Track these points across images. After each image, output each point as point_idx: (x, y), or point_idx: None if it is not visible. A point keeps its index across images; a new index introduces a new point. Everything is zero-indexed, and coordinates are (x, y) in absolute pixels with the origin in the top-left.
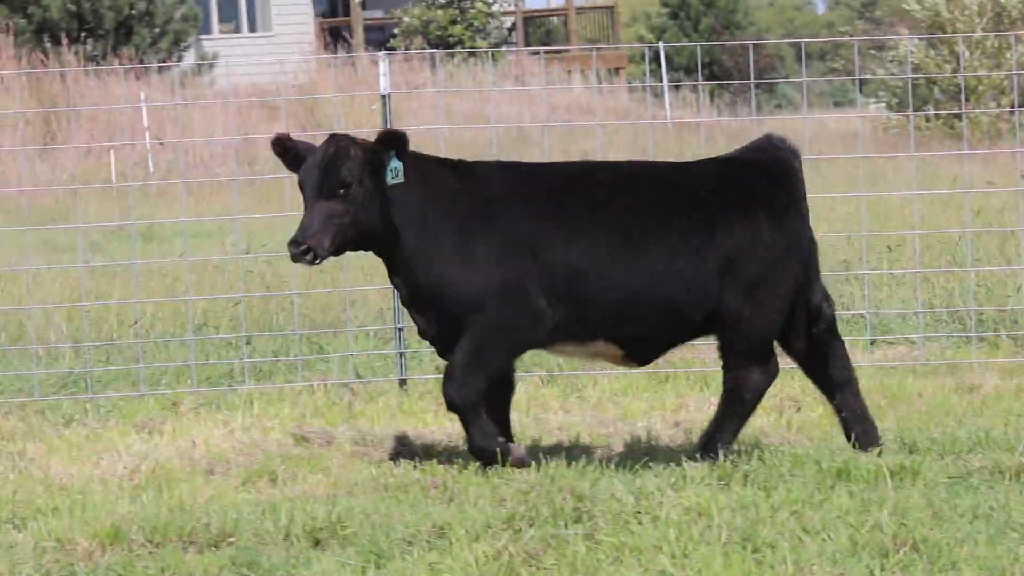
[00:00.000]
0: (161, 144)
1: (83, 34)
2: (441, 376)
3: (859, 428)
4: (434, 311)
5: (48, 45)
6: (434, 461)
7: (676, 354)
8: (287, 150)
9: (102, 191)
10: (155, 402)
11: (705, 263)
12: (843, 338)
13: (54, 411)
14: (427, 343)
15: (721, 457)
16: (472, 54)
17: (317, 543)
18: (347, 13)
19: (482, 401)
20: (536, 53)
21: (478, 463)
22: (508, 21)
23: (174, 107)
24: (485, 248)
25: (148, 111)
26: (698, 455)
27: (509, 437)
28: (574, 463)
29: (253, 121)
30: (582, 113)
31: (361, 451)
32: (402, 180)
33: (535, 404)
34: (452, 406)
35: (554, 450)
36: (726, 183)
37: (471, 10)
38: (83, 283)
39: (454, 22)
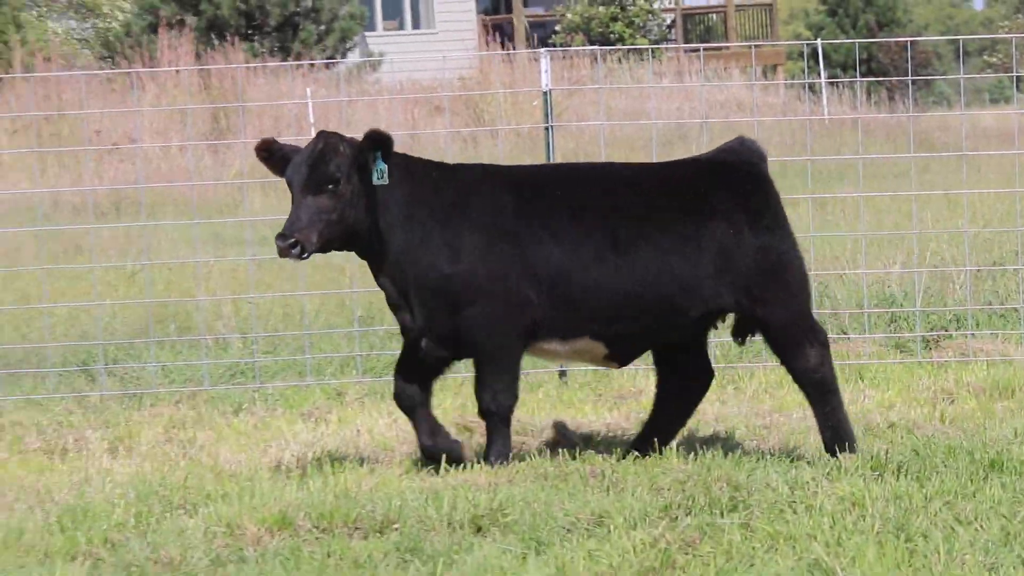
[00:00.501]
0: None
1: (251, 31)
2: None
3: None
4: (423, 306)
5: (217, 42)
6: (592, 451)
7: (831, 347)
8: (272, 154)
9: (269, 185)
10: (321, 392)
11: (695, 262)
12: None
13: (223, 400)
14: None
15: (855, 442)
16: (632, 51)
17: (479, 530)
18: (509, 10)
19: (513, 410)
20: (695, 50)
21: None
22: (668, 18)
23: (339, 103)
24: (472, 243)
25: (314, 107)
26: (833, 453)
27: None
28: (730, 453)
29: (416, 117)
30: (740, 109)
31: (522, 440)
32: (387, 182)
33: None
34: (486, 412)
35: (710, 440)
36: (707, 182)
37: (632, 7)
38: (250, 275)
39: (615, 19)
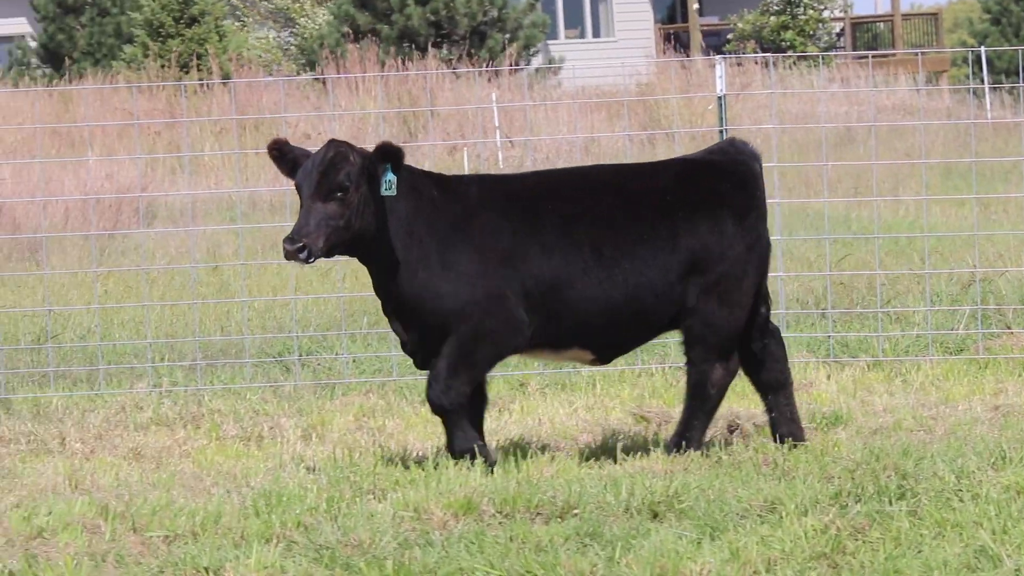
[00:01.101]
0: (511, 142)
1: (440, 40)
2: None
3: (785, 428)
4: (417, 323)
5: (408, 50)
6: (765, 440)
7: (996, 341)
8: (284, 155)
9: None
10: (504, 383)
11: (673, 264)
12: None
13: (411, 390)
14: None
15: (697, 449)
16: (802, 58)
17: (655, 515)
18: (685, 19)
19: (465, 405)
20: (863, 57)
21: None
22: (837, 27)
23: (523, 107)
24: (467, 259)
25: (499, 111)
26: (671, 450)
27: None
28: (898, 443)
29: (596, 120)
30: (906, 114)
31: None
32: (394, 192)
33: (861, 388)
34: (437, 409)
35: (879, 431)
36: (691, 185)
37: (802, 17)
38: None
39: (786, 28)
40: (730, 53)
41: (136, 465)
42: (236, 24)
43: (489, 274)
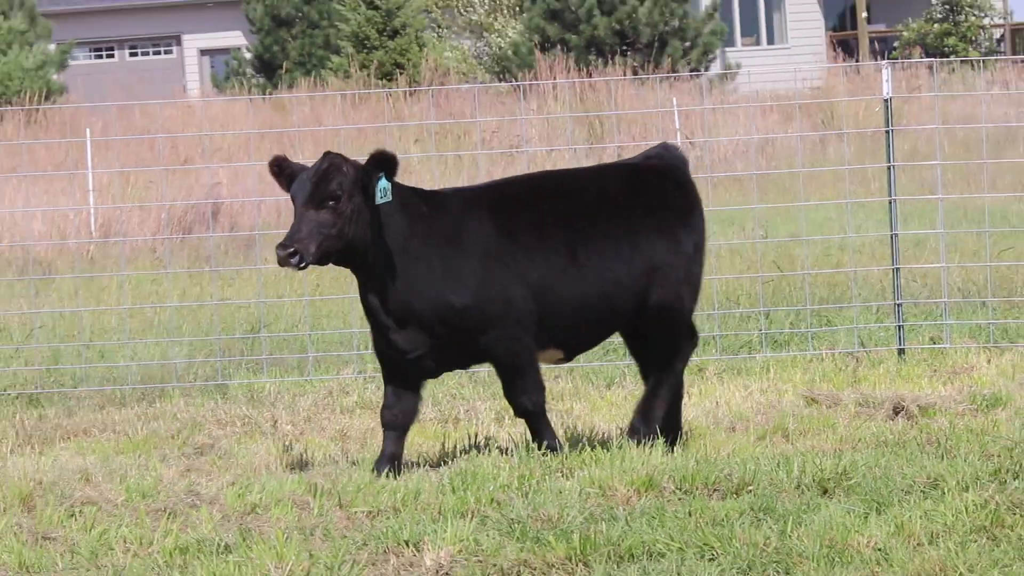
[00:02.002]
0: (691, 143)
1: (624, 48)
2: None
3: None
4: (423, 330)
5: (593, 59)
6: (928, 420)
7: None
8: (283, 170)
9: None
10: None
11: (637, 262)
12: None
13: (597, 375)
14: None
15: (656, 429)
16: (964, 62)
17: (825, 492)
18: (854, 27)
19: (545, 403)
20: (1023, 61)
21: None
22: (997, 33)
23: (702, 111)
24: (471, 268)
25: (679, 114)
26: (637, 427)
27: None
28: None
29: (770, 123)
30: None
31: (864, 411)
32: (389, 200)
33: (1020, 371)
34: (525, 413)
35: None
36: (641, 188)
37: (964, 24)
38: None
39: (948, 34)
40: (896, 58)
41: (342, 445)
42: (435, 36)
43: (493, 280)
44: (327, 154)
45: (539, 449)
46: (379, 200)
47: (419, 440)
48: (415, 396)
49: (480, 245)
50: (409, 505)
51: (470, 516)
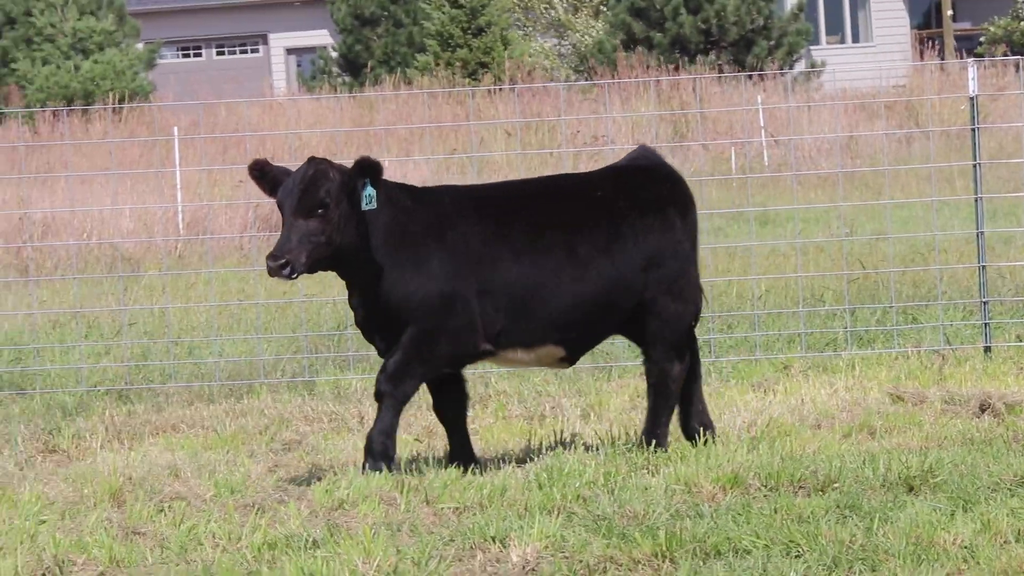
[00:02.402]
0: (775, 141)
1: (709, 47)
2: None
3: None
4: (394, 332)
5: (678, 57)
6: (1015, 418)
7: None
8: (264, 174)
9: (724, 181)
10: (769, 365)
11: (632, 264)
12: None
13: None
14: None
15: (665, 447)
16: None
17: (911, 489)
18: (939, 24)
19: (405, 402)
20: None
21: (365, 455)
22: None
23: (787, 109)
24: (435, 264)
25: (764, 112)
26: (645, 446)
27: (470, 449)
28: None
29: (855, 120)
30: None
31: (950, 409)
32: (375, 206)
33: None
34: (379, 395)
35: None
36: (634, 189)
37: None
38: (707, 261)
39: None
40: (982, 56)
41: (428, 442)
42: (519, 34)
43: (455, 275)
44: (312, 160)
45: (366, 439)
46: (364, 206)
47: (505, 437)
48: (459, 386)
49: (456, 243)
50: (495, 501)
51: (556, 512)
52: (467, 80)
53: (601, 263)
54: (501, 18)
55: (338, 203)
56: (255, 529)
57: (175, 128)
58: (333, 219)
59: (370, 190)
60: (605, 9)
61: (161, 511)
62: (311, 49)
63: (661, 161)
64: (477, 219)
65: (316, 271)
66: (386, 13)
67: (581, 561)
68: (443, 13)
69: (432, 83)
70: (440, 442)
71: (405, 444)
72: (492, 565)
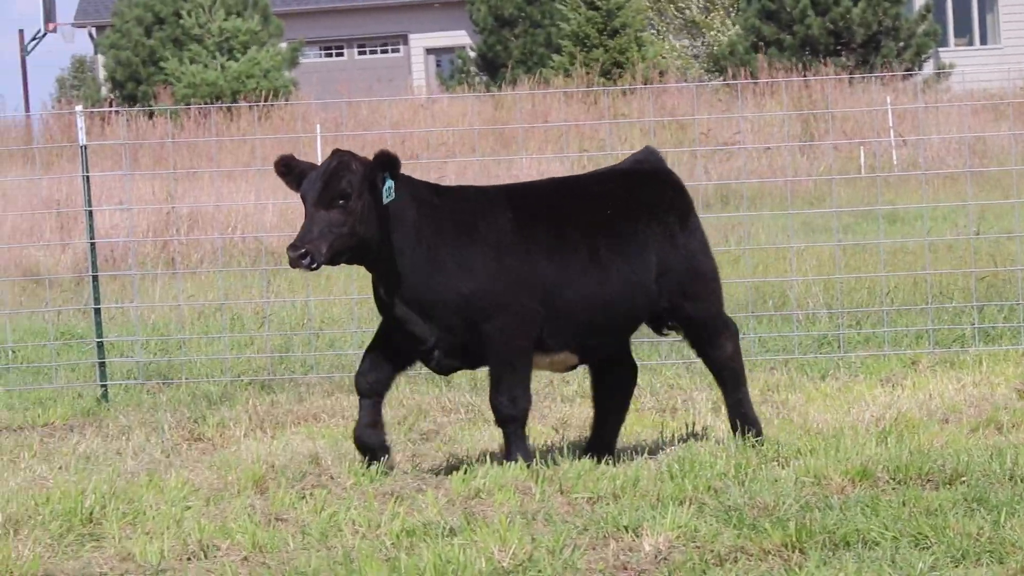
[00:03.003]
0: (904, 141)
1: (839, 48)
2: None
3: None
4: (435, 320)
5: (807, 58)
6: None
7: None
8: (290, 170)
9: (852, 180)
10: (897, 361)
11: (650, 265)
12: None
13: (811, 367)
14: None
15: (760, 427)
16: None
17: None
18: None
19: (529, 413)
20: None
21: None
22: None
23: (915, 110)
24: (482, 259)
25: (893, 113)
26: (743, 435)
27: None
28: None
29: (982, 121)
30: None
31: None
32: (393, 198)
33: None
34: (505, 420)
35: None
36: (641, 191)
37: None
38: (837, 259)
39: None
40: None
41: (563, 433)
42: (653, 35)
43: (504, 271)
44: (336, 152)
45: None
46: (385, 199)
47: (637, 428)
48: (393, 370)
49: (493, 238)
50: (628, 492)
51: (688, 503)
52: (602, 80)
53: (614, 265)
54: (636, 19)
55: (360, 195)
56: (394, 517)
57: (317, 125)
58: (355, 210)
59: (389, 182)
60: (737, 11)
61: (303, 498)
62: (450, 49)
63: (662, 165)
64: (508, 215)
65: (339, 263)
66: (523, 14)
67: (712, 551)
68: (579, 14)
69: (567, 83)
70: (574, 432)
71: (540, 434)
72: (625, 554)
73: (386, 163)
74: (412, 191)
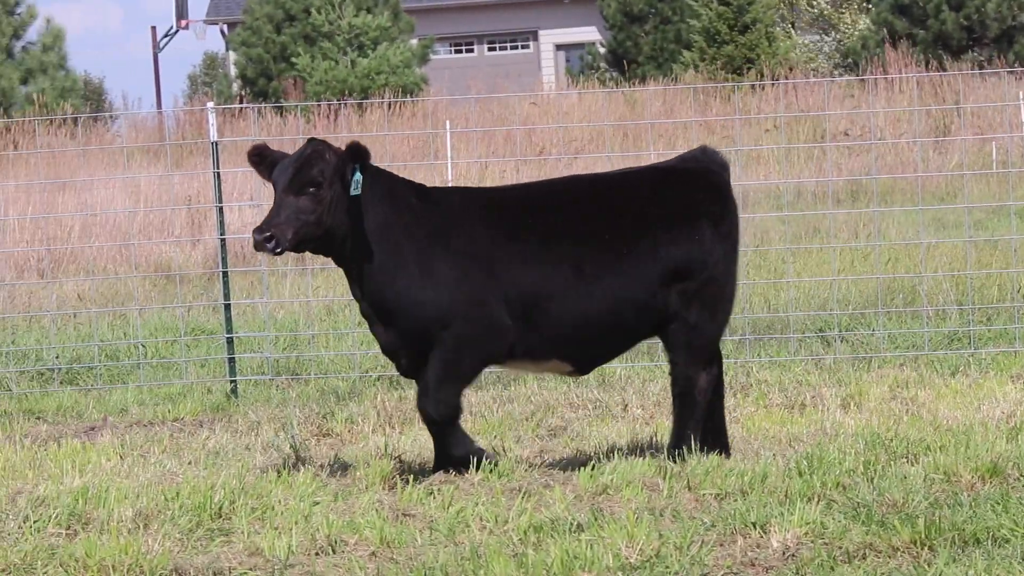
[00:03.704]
0: None
1: (971, 43)
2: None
3: (711, 439)
4: (396, 327)
5: (940, 53)
6: None
7: None
8: (263, 159)
9: (984, 176)
10: None
11: (654, 274)
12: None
13: (941, 363)
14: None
15: (694, 457)
16: None
17: None
18: None
19: (457, 416)
20: None
21: (456, 471)
22: None
23: None
24: (447, 266)
25: None
26: (671, 459)
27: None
28: None
29: None
30: None
31: None
32: (359, 192)
33: None
34: (429, 421)
35: None
36: (668, 194)
37: None
38: (968, 255)
39: None
40: None
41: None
42: (783, 31)
43: (468, 281)
44: (311, 140)
45: (441, 467)
46: (352, 192)
47: (766, 425)
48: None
49: (462, 245)
50: (756, 488)
51: (816, 500)
52: (731, 76)
53: (616, 272)
54: (766, 15)
55: (331, 184)
56: (521, 512)
57: (447, 122)
58: (325, 199)
59: (357, 175)
60: (869, 6)
61: (430, 494)
62: (579, 45)
63: (713, 166)
64: (489, 221)
65: (303, 251)
66: (654, 10)
67: (840, 548)
68: (710, 10)
69: (697, 79)
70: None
71: (668, 430)
72: (752, 550)
73: (356, 154)
74: (390, 189)
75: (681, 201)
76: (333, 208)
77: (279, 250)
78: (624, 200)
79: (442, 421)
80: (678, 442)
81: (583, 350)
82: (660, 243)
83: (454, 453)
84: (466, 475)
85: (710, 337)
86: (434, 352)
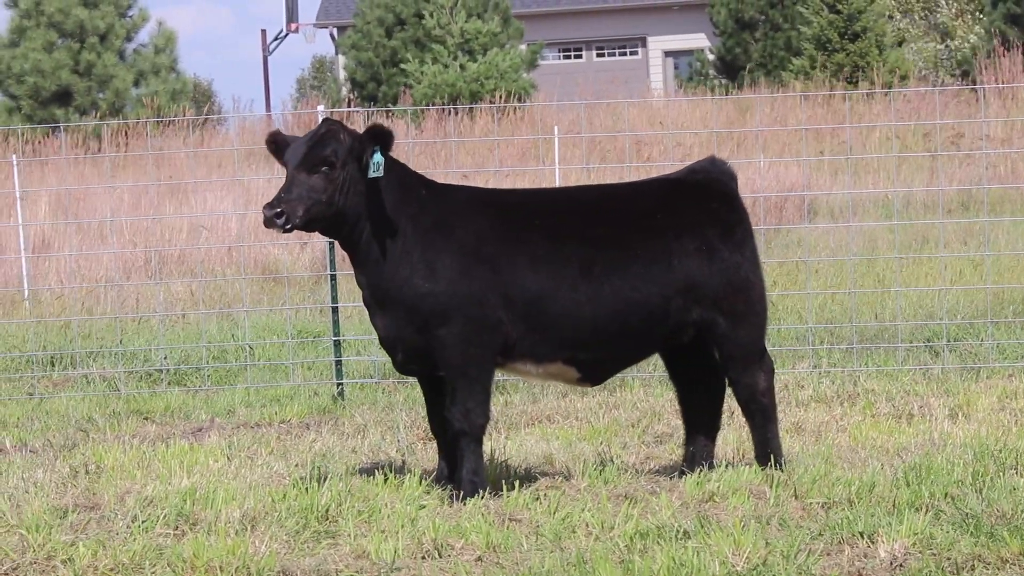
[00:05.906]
0: None
1: None
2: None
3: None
4: (396, 316)
5: None
6: None
7: None
8: (279, 146)
9: None
10: None
11: (664, 284)
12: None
13: None
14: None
15: (783, 463)
16: None
17: None
18: None
19: (485, 422)
20: None
21: (462, 491)
22: None
23: None
24: (449, 261)
25: None
26: (765, 469)
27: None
28: None
29: None
30: None
31: None
32: (380, 175)
33: None
34: (458, 433)
35: None
36: (679, 204)
37: None
38: None
39: None
40: None
41: (797, 438)
42: (895, 38)
43: (468, 277)
44: (325, 120)
45: (459, 479)
46: (371, 174)
47: (873, 434)
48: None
49: (466, 242)
50: (864, 498)
51: (924, 510)
52: (842, 84)
53: (617, 282)
54: (878, 24)
55: (344, 165)
56: (627, 519)
57: (555, 127)
58: (337, 180)
59: (378, 158)
60: (981, 16)
61: (536, 499)
62: (688, 52)
63: (722, 176)
64: (494, 220)
65: (313, 230)
66: (765, 17)
67: (949, 559)
68: (821, 18)
69: (807, 86)
70: (808, 437)
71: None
72: (860, 560)
73: (378, 136)
74: (402, 179)
75: (691, 211)
76: (347, 189)
77: (289, 227)
78: (633, 206)
79: (472, 432)
80: (763, 449)
81: (586, 354)
82: (671, 252)
83: (468, 476)
84: (573, 482)
85: (747, 344)
86: (440, 359)
